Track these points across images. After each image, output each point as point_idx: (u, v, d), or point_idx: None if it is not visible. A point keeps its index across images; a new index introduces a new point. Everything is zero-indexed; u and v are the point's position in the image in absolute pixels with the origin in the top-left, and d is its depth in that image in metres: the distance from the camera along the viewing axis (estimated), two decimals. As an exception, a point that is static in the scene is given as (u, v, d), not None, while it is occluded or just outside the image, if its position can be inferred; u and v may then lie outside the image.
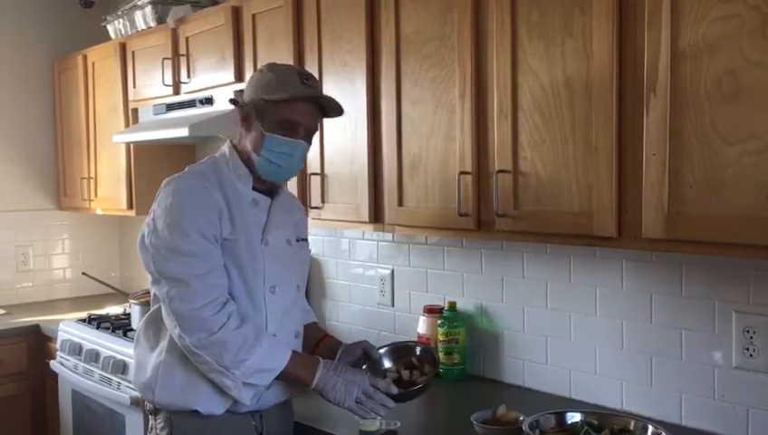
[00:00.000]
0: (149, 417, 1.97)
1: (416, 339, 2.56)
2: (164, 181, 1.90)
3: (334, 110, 1.95)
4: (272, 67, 1.94)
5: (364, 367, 2.00)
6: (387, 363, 2.05)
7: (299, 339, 2.01)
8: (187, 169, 1.96)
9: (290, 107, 1.87)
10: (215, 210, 1.83)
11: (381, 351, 2.07)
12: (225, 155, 1.95)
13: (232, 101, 1.98)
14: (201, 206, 1.83)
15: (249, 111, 1.91)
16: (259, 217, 1.93)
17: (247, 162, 1.92)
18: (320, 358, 1.90)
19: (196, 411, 1.85)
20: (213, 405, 1.85)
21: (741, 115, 1.52)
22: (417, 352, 2.10)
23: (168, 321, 1.82)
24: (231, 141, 1.98)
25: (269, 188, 1.98)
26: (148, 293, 3.29)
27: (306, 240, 2.11)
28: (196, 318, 1.78)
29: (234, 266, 1.85)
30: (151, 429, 1.95)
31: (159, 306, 1.89)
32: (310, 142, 1.95)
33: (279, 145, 1.87)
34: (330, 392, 1.85)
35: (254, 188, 1.93)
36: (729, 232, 1.55)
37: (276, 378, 1.86)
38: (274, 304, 1.92)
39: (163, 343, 1.89)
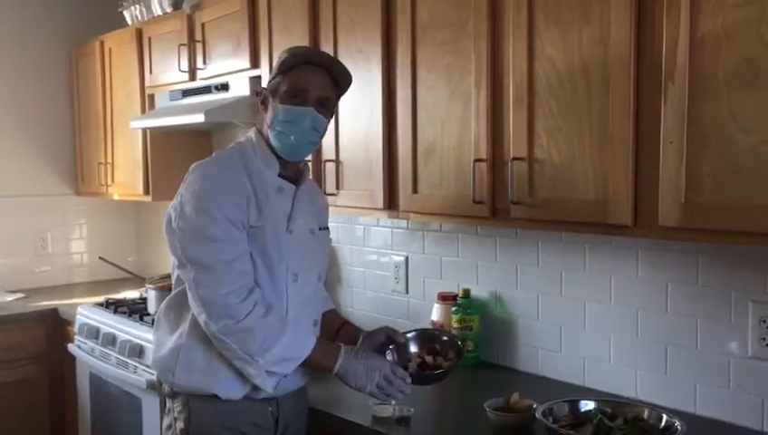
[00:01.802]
0: (167, 400, 1.98)
1: (430, 326, 2.56)
2: (192, 166, 1.90)
3: (341, 75, 1.93)
4: (286, 50, 1.96)
5: (390, 350, 2.03)
6: (412, 348, 2.08)
7: (317, 327, 2.03)
8: (214, 154, 1.97)
9: (296, 74, 1.87)
10: (243, 196, 1.84)
11: (408, 335, 2.10)
12: (252, 140, 1.95)
13: (256, 93, 1.99)
14: (229, 191, 1.83)
15: (266, 92, 1.93)
16: (284, 204, 1.92)
17: (271, 147, 1.93)
18: (341, 345, 1.91)
19: (214, 396, 1.87)
20: (232, 390, 1.87)
21: (759, 103, 1.50)
22: (442, 340, 2.13)
23: (195, 306, 1.83)
24: (257, 128, 1.98)
25: (294, 175, 1.98)
26: (165, 278, 3.32)
27: (328, 229, 2.11)
28: (222, 304, 1.78)
29: (258, 254, 1.85)
30: (169, 411, 1.96)
31: (182, 290, 1.90)
32: (326, 116, 1.92)
33: (285, 114, 1.87)
34: (351, 378, 1.86)
35: (280, 175, 1.94)
36: (746, 221, 1.54)
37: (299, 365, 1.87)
38: (296, 293, 1.92)
39: (184, 326, 1.90)
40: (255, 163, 1.91)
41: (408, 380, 1.90)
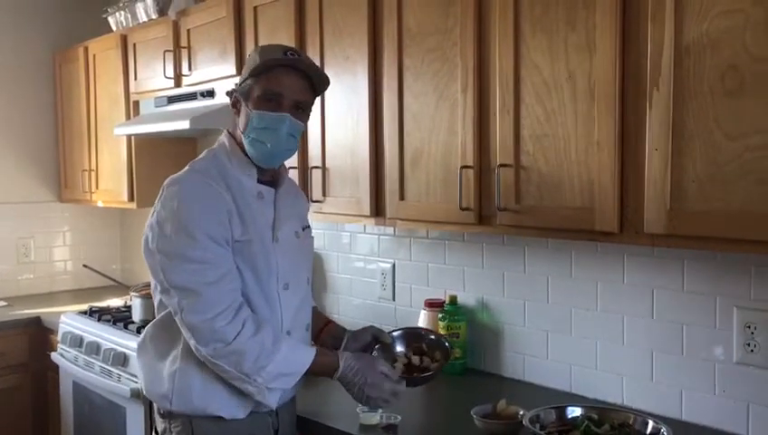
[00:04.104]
0: (162, 419, 1.89)
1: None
2: (167, 181, 1.82)
3: (318, 77, 1.84)
4: (258, 48, 1.87)
5: (376, 350, 2.01)
6: (398, 348, 2.07)
7: (309, 332, 2.00)
8: (188, 166, 1.87)
9: (271, 78, 1.78)
10: (223, 211, 1.76)
11: (394, 334, 2.09)
12: (225, 146, 1.88)
13: (227, 93, 1.91)
14: (210, 208, 1.75)
15: (238, 95, 1.85)
16: (266, 212, 1.86)
17: (245, 151, 1.85)
18: (339, 356, 1.86)
19: (217, 416, 1.82)
20: (235, 409, 1.82)
21: (744, 110, 1.51)
22: (429, 339, 2.12)
23: (184, 331, 1.77)
24: (228, 131, 1.91)
25: (272, 178, 1.92)
26: (149, 286, 3.28)
27: (310, 227, 2.06)
28: (209, 329, 1.72)
29: (247, 268, 1.79)
30: (164, 432, 1.88)
31: (168, 313, 1.82)
32: (302, 120, 1.85)
33: (260, 120, 1.78)
34: (344, 386, 1.86)
35: (258, 181, 1.87)
36: (731, 227, 1.55)
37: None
38: (288, 302, 1.88)
39: (176, 350, 1.83)
40: (231, 172, 1.83)
41: (402, 386, 1.89)
